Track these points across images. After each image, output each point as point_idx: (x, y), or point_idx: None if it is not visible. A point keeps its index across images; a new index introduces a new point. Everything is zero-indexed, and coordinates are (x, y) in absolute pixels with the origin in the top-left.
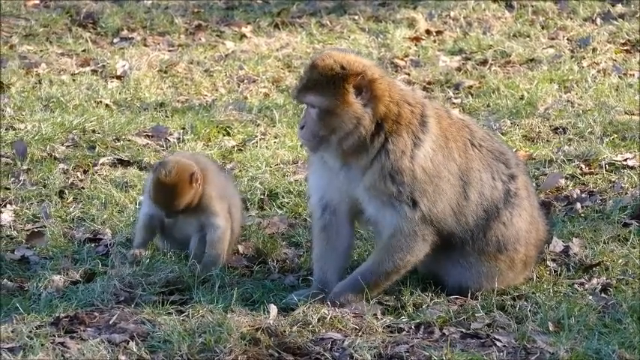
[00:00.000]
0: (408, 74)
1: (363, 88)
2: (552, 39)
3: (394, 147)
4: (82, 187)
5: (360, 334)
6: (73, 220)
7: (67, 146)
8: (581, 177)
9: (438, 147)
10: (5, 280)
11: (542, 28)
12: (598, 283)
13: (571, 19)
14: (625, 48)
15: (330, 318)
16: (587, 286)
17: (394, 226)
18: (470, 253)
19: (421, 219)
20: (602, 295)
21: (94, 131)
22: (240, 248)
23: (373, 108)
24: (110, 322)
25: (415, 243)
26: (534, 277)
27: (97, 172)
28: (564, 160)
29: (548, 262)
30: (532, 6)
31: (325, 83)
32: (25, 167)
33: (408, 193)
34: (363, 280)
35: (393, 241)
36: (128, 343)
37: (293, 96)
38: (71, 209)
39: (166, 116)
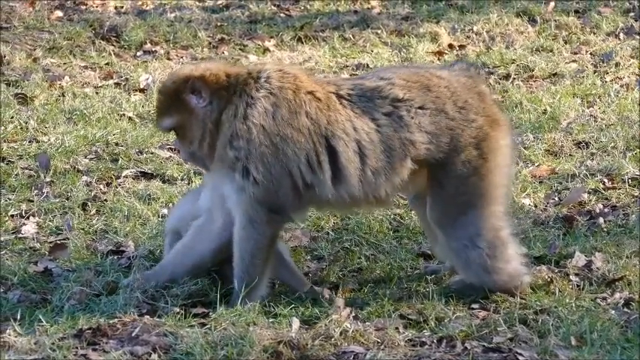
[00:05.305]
0: None
1: (199, 89)
2: (575, 53)
3: (226, 115)
4: (105, 200)
5: (382, 347)
6: (95, 232)
7: (90, 159)
8: (603, 191)
9: (281, 101)
10: (28, 292)
11: (565, 42)
12: (621, 298)
13: (594, 33)
14: None
15: (352, 331)
16: (609, 300)
17: (237, 204)
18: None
19: (262, 188)
20: (625, 309)
21: (117, 144)
22: None
23: (219, 97)
24: (133, 335)
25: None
26: (557, 292)
27: (120, 185)
28: (587, 175)
29: (570, 277)
30: (555, 20)
31: (168, 104)
32: (48, 180)
33: (244, 158)
34: (242, 282)
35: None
36: (150, 356)
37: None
38: (94, 222)
39: None
